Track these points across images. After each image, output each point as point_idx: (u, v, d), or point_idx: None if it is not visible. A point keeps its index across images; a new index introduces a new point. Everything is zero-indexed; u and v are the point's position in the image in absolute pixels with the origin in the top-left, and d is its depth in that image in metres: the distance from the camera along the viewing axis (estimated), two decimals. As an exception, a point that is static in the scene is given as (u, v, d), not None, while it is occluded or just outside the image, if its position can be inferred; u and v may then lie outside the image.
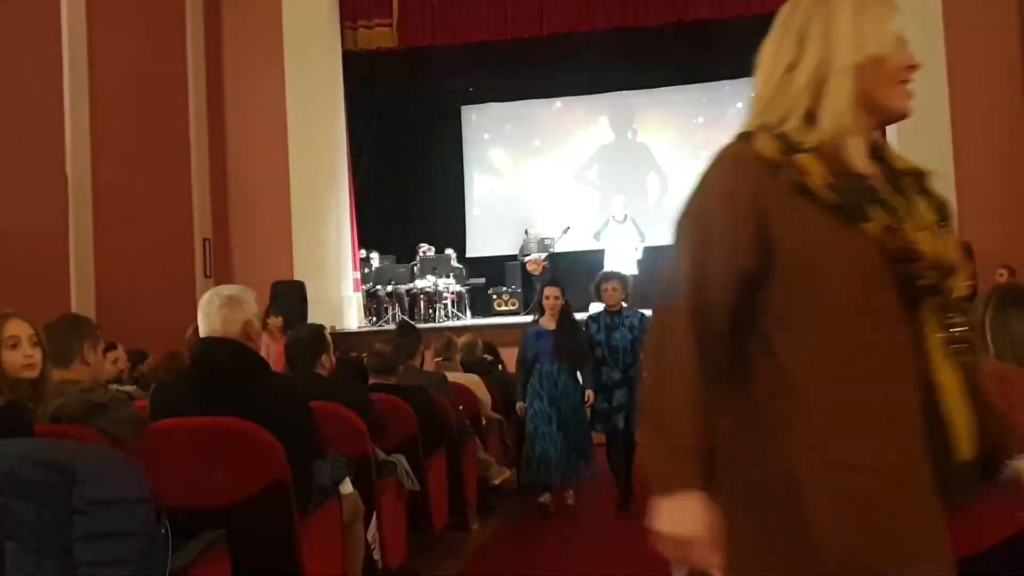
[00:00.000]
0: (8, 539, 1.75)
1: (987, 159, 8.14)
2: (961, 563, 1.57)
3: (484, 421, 5.68)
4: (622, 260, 9.46)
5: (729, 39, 10.13)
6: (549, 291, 5.59)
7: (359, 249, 10.24)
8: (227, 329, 2.67)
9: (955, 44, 8.21)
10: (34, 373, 2.41)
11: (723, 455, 1.25)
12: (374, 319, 10.20)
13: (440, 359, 5.96)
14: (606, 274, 5.81)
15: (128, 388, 4.22)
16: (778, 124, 1.32)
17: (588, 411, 5.52)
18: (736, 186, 1.27)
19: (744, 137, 1.33)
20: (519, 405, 5.62)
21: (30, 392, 2.37)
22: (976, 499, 1.27)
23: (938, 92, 8.20)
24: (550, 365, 5.46)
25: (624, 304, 5.59)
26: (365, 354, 5.12)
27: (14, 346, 2.36)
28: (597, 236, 10.35)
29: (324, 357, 3.82)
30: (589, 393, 5.42)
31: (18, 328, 2.39)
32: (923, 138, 8.27)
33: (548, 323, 5.53)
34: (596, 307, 6.10)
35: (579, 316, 5.92)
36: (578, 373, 5.56)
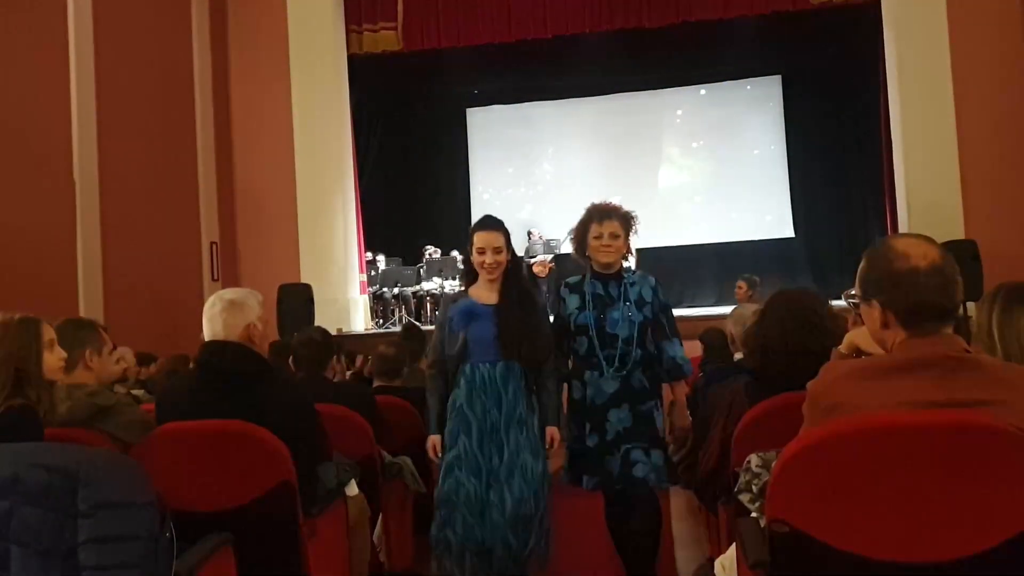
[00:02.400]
0: (13, 543, 1.76)
1: (993, 158, 8.11)
2: (964, 563, 1.57)
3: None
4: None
5: (734, 40, 10.14)
6: (482, 239, 3.29)
7: (365, 251, 10.25)
8: (228, 333, 2.68)
9: (959, 41, 8.19)
10: (63, 375, 2.45)
11: None
12: (380, 321, 10.22)
13: (446, 361, 5.95)
14: (600, 209, 3.46)
15: (137, 392, 4.25)
16: None
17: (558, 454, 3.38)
18: None
19: None
20: (431, 440, 3.29)
21: (47, 395, 2.39)
22: None
23: (942, 91, 8.19)
24: (490, 367, 3.21)
25: (625, 263, 3.50)
26: (371, 355, 5.12)
27: (51, 348, 2.41)
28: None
29: (332, 360, 3.84)
30: (551, 432, 3.24)
31: (50, 331, 2.44)
32: (927, 137, 8.27)
33: (485, 294, 3.30)
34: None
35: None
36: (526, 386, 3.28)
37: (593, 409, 3.33)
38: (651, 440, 3.32)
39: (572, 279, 3.50)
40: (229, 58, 9.47)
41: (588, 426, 3.32)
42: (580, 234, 3.47)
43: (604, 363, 3.32)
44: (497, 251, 3.27)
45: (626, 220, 3.44)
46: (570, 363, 3.46)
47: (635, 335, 3.32)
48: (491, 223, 3.34)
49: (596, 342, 3.32)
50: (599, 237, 3.39)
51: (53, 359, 2.41)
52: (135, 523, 1.85)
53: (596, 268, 3.44)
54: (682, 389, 3.45)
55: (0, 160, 6.10)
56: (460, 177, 12.73)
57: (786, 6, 9.14)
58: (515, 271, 3.35)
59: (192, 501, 2.45)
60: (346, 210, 9.70)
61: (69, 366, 2.66)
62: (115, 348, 4.50)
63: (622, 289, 3.39)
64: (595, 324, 3.33)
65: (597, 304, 3.37)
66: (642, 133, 12.16)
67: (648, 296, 3.40)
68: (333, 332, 4.85)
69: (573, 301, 3.42)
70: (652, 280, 3.46)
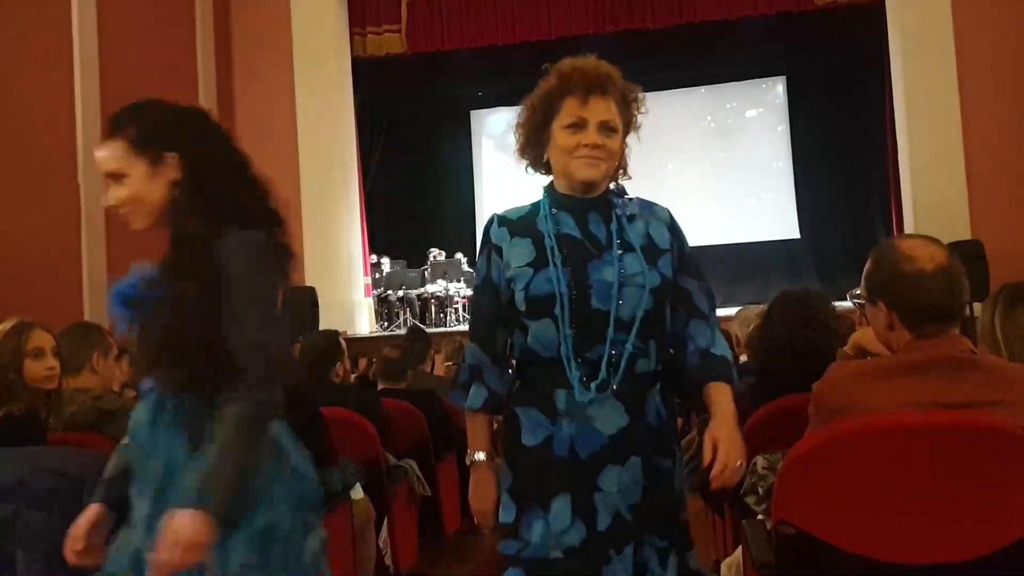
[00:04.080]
0: (18, 547, 1.77)
1: (999, 158, 8.08)
2: (970, 565, 1.56)
3: (495, 425, 5.64)
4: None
5: (738, 41, 10.13)
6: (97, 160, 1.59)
7: (370, 254, 10.27)
8: (233, 336, 2.67)
9: (964, 41, 8.17)
10: (54, 384, 2.44)
11: None
12: (385, 324, 10.23)
13: (451, 363, 5.96)
14: (584, 74, 1.79)
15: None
16: None
17: None
18: None
19: None
20: (71, 537, 1.59)
21: (45, 401, 2.39)
22: None
23: (948, 90, 8.16)
24: (140, 404, 1.61)
25: (614, 185, 1.90)
26: (375, 358, 5.13)
27: (37, 357, 2.40)
28: None
29: (338, 364, 3.84)
30: (175, 527, 1.38)
31: (42, 339, 2.42)
32: (933, 137, 8.26)
33: None
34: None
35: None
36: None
37: (574, 468, 1.69)
38: (677, 530, 1.78)
39: (513, 211, 1.86)
40: (233, 61, 9.49)
41: (561, 505, 1.68)
42: (537, 118, 1.82)
43: (581, 372, 1.69)
44: (118, 178, 1.60)
45: (626, 98, 1.88)
46: (511, 372, 1.85)
47: (647, 312, 1.71)
48: (107, 128, 1.61)
49: (569, 330, 1.69)
50: (577, 127, 1.77)
51: (38, 368, 2.38)
52: (140, 526, 1.85)
53: (563, 189, 1.83)
54: (729, 397, 1.73)
55: (4, 164, 6.12)
56: (465, 179, 12.72)
57: (790, 7, 9.13)
58: (183, 210, 1.61)
59: (197, 504, 2.45)
60: (351, 213, 9.71)
61: (76, 369, 2.66)
62: (125, 352, 4.53)
63: (615, 226, 1.79)
64: (570, 293, 1.70)
65: (570, 254, 1.74)
66: (646, 134, 11.96)
67: (663, 240, 1.80)
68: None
69: (519, 250, 1.77)
70: (665, 213, 1.89)
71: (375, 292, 10.30)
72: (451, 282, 10.39)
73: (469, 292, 10.47)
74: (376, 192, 11.05)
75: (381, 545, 3.51)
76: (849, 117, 10.96)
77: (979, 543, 1.57)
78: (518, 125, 1.89)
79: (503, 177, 12.76)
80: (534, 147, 1.85)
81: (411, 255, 11.15)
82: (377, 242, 10.59)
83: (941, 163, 8.17)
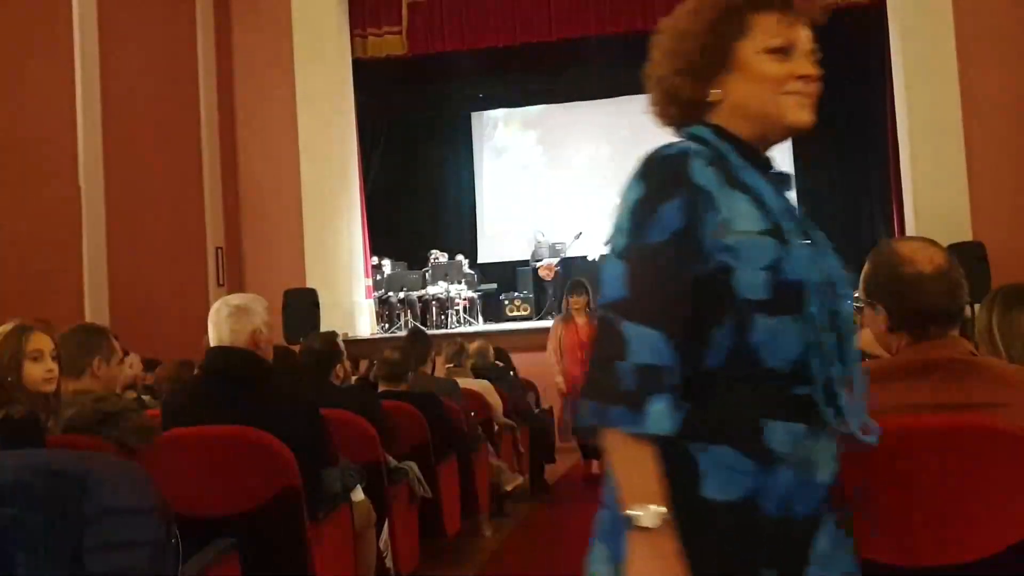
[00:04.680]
0: (19, 549, 1.76)
1: (1000, 160, 8.08)
2: (970, 567, 1.56)
3: (496, 427, 5.67)
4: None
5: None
6: None
7: (370, 256, 10.27)
8: (235, 339, 2.69)
9: (966, 43, 8.16)
10: (52, 387, 2.44)
11: None
12: (386, 325, 10.22)
13: (451, 365, 5.96)
14: None
15: (145, 397, 4.26)
16: None
17: None
18: None
19: None
20: None
21: (44, 404, 2.39)
22: None
23: (949, 92, 8.16)
24: None
25: None
26: (375, 359, 5.12)
27: (36, 359, 2.39)
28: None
29: (338, 366, 3.85)
30: None
31: (41, 342, 2.42)
32: (934, 139, 8.25)
33: None
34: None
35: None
36: None
37: (788, 533, 1.21)
38: None
39: (696, 146, 1.33)
40: (234, 63, 9.50)
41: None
42: (709, 35, 1.33)
43: (826, 399, 1.22)
44: None
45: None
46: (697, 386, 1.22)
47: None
48: None
49: (823, 336, 1.22)
50: (784, 53, 1.29)
51: (37, 370, 2.38)
52: (141, 529, 1.85)
53: (748, 136, 1.35)
54: None
55: (5, 165, 6.12)
56: (465, 181, 12.73)
57: (790, 8, 9.14)
58: None
59: (197, 506, 2.45)
60: (351, 214, 9.71)
61: (76, 373, 2.66)
62: (127, 354, 4.53)
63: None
64: (821, 288, 1.24)
65: (798, 232, 1.27)
66: (647, 137, 11.93)
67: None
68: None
69: (744, 209, 1.24)
70: None
71: (376, 294, 10.30)
72: (452, 284, 10.39)
73: (470, 294, 10.47)
74: (377, 193, 11.04)
75: (381, 547, 3.51)
76: (849, 118, 10.94)
77: (980, 545, 1.57)
78: (670, 38, 1.39)
79: (504, 178, 12.77)
80: (698, 77, 1.33)
81: (412, 257, 11.15)
82: (378, 244, 10.59)
83: (942, 164, 8.17)
